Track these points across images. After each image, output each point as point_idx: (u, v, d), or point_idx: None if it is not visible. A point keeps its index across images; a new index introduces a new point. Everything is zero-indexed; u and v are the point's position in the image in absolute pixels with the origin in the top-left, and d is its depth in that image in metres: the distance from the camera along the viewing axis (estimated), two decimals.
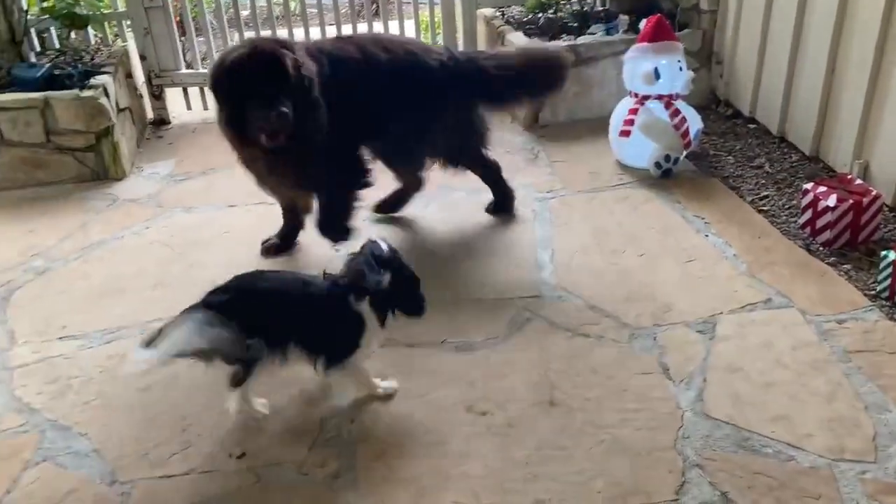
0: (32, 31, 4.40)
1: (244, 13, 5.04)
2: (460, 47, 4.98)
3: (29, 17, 4.28)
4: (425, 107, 3.14)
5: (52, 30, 4.52)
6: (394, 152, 3.28)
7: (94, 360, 2.73)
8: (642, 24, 3.87)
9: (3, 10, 4.14)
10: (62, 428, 2.43)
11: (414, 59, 3.13)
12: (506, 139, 4.28)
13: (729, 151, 4.00)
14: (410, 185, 3.51)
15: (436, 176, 3.84)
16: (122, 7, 4.55)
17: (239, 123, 2.79)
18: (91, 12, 4.34)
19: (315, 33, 4.94)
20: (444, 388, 2.50)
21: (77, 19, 4.30)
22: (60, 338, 2.86)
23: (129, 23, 4.64)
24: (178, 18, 4.83)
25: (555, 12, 4.78)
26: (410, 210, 3.59)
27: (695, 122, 3.81)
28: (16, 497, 2.19)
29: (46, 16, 4.30)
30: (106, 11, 4.49)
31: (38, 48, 4.48)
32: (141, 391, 2.56)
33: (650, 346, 2.65)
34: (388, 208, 3.55)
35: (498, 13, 4.88)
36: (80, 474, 2.26)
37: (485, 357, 2.63)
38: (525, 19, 4.77)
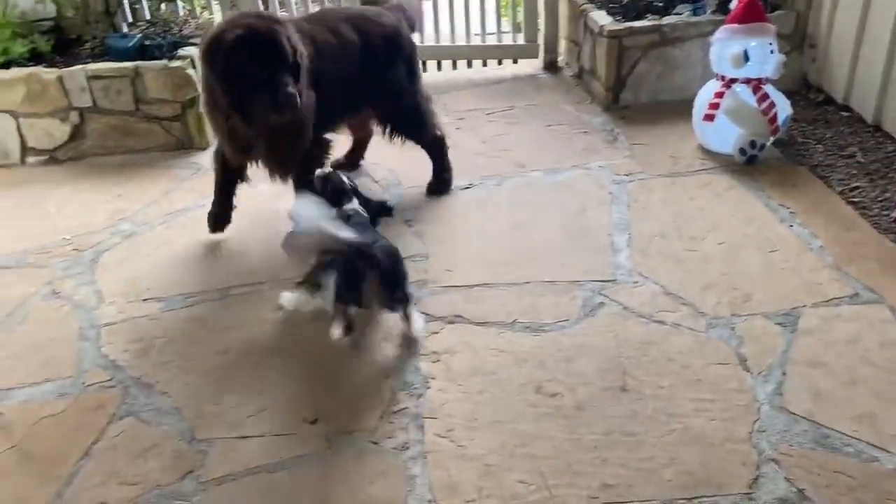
0: (125, 2, 4.54)
1: None
2: (541, 26, 4.92)
3: None
4: (406, 63, 3.40)
5: (144, 1, 4.65)
6: (397, 116, 3.46)
7: (175, 321, 2.83)
8: (732, 4, 3.72)
9: None
10: (145, 385, 2.54)
11: (382, 28, 3.28)
12: (584, 119, 4.22)
13: (819, 139, 3.84)
14: (434, 142, 3.59)
15: (513, 154, 3.84)
16: None
17: (240, 105, 2.80)
18: None
19: None
20: (514, 367, 2.50)
21: None
22: (145, 299, 2.97)
23: None
24: None
25: None
26: (486, 188, 3.58)
27: (784, 108, 3.66)
28: (102, 447, 2.30)
29: None
30: None
31: (129, 19, 4.62)
32: (219, 353, 2.65)
33: (728, 336, 2.58)
34: (435, 188, 3.60)
35: None
36: (160, 430, 2.36)
37: (556, 339, 2.61)
38: None
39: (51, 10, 4.27)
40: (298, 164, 3.09)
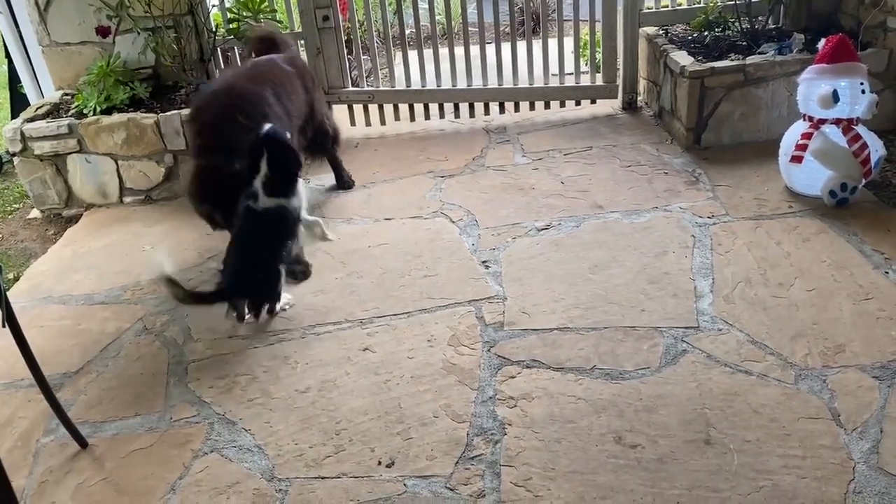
0: (218, 50, 4.78)
1: (407, 31, 5.21)
2: (620, 66, 4.91)
3: (216, 37, 4.65)
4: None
5: (236, 49, 4.88)
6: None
7: (258, 359, 2.91)
8: (820, 43, 3.63)
9: (195, 32, 4.55)
10: (228, 422, 2.61)
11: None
12: (664, 160, 4.16)
13: None
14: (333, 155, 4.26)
15: (591, 195, 3.81)
16: (298, 28, 4.84)
17: None
18: None
19: (475, 52, 5.04)
20: (593, 415, 2.45)
21: None
22: (230, 336, 3.07)
23: (302, 42, 4.92)
24: (347, 38, 5.06)
25: (722, 30, 4.59)
26: (564, 229, 3.56)
27: (877, 149, 3.52)
28: (187, 482, 2.37)
29: (231, 36, 4.66)
30: (283, 32, 4.79)
31: (222, 66, 4.85)
32: (300, 392, 2.70)
33: (819, 388, 2.47)
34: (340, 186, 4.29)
35: (661, 31, 4.75)
36: (242, 468, 2.41)
37: (636, 387, 2.56)
38: (690, 38, 4.62)
39: (150, 58, 4.53)
40: None
